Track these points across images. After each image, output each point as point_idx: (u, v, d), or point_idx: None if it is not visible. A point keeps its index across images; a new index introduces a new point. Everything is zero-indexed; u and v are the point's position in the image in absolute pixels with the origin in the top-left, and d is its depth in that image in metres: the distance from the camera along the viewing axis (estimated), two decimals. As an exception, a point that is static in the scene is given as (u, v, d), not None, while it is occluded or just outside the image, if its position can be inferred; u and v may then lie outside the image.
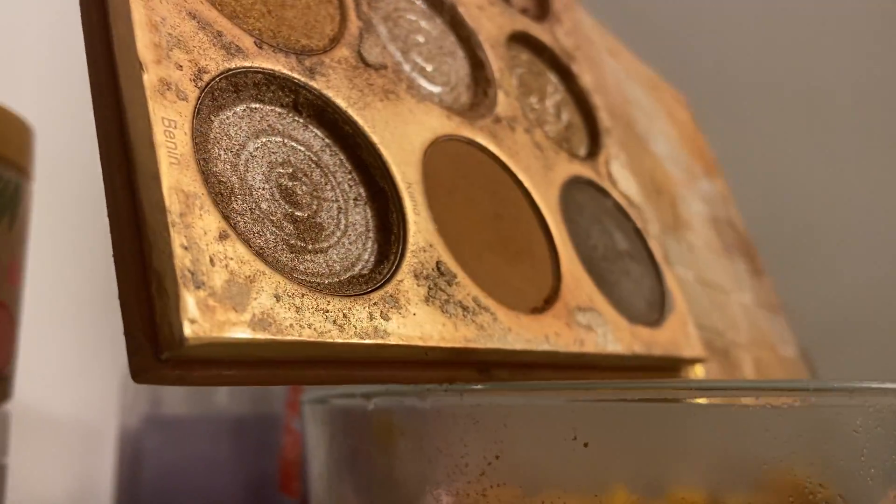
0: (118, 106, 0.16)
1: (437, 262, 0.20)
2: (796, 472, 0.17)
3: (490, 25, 0.28)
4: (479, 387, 0.19)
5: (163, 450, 0.38)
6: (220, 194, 0.16)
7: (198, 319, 0.14)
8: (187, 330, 0.13)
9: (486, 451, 0.18)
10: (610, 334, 0.24)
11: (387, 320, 0.17)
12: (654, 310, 0.28)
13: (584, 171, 0.29)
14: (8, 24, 0.42)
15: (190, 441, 0.39)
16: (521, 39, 0.31)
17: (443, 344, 0.18)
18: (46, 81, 0.42)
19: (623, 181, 0.31)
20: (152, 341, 0.14)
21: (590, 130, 0.32)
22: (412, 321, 0.18)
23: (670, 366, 0.28)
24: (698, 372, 0.29)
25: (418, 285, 0.19)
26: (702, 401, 0.18)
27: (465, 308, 0.20)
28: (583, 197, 0.28)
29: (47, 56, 0.43)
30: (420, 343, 0.18)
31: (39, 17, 0.43)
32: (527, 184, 0.25)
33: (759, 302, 0.45)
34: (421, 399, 0.19)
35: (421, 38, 0.26)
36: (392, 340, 0.17)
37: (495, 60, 0.27)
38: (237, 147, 0.17)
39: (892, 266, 0.58)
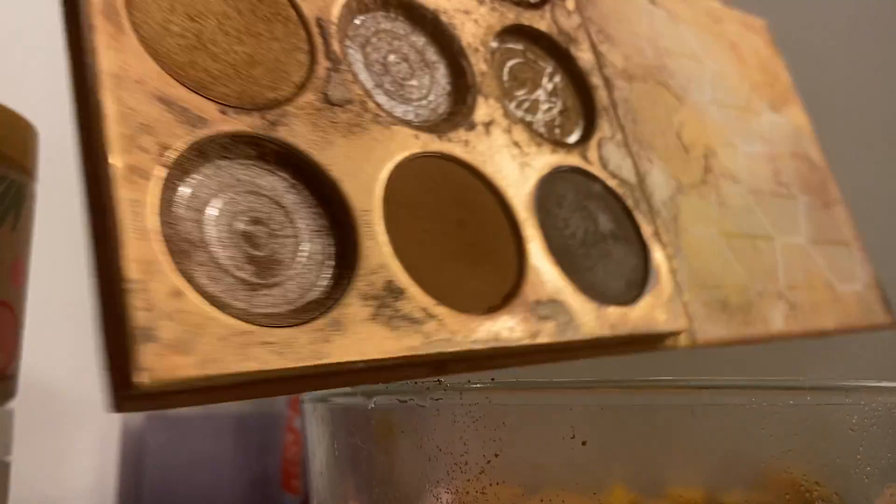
0: (97, 184, 0.20)
1: (387, 281, 0.23)
2: (793, 470, 0.17)
3: (475, 28, 0.31)
4: (478, 385, 0.20)
5: (166, 448, 0.41)
6: (183, 252, 0.20)
7: (149, 367, 0.18)
8: (139, 376, 0.18)
9: (485, 449, 0.18)
10: (572, 322, 0.27)
11: (327, 342, 0.21)
12: (634, 288, 0.30)
13: (568, 159, 0.31)
14: (11, 25, 0.43)
15: (193, 439, 0.41)
16: (515, 31, 0.33)
17: (383, 356, 0.22)
18: (50, 82, 0.40)
19: (614, 161, 0.33)
20: (121, 382, 0.18)
21: (586, 112, 0.33)
22: (353, 341, 0.22)
23: (646, 340, 0.30)
24: (682, 342, 0.32)
25: (365, 306, 0.22)
26: (699, 400, 0.18)
27: (411, 320, 0.23)
28: (565, 186, 0.31)
29: (51, 57, 0.40)
30: (358, 358, 0.22)
31: (43, 17, 0.42)
32: (499, 185, 0.28)
33: (820, 238, 0.45)
34: (421, 398, 0.20)
35: (399, 58, 0.28)
36: (330, 360, 0.21)
37: (477, 64, 0.30)
38: (202, 205, 0.21)
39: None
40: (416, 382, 0.21)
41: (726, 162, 0.42)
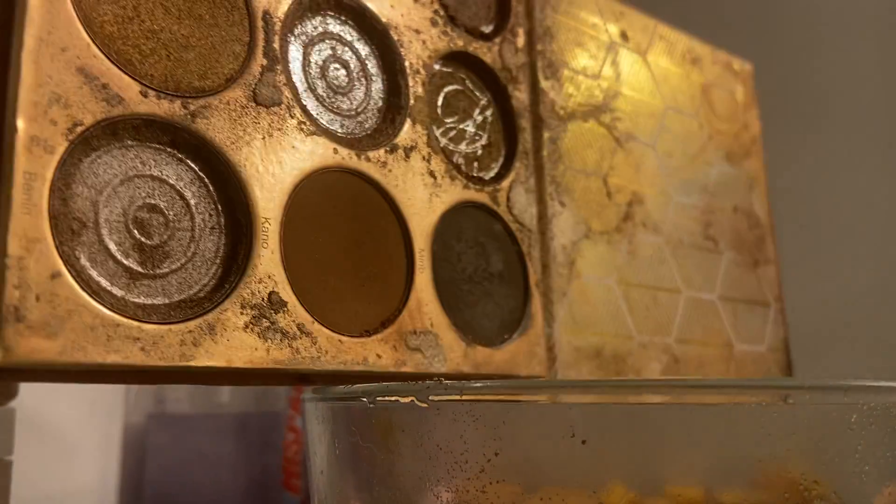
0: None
1: (270, 293, 0.24)
2: (791, 468, 0.17)
3: (422, 50, 0.31)
4: (478, 385, 0.20)
5: (167, 446, 0.42)
6: (70, 230, 0.20)
7: (12, 347, 0.18)
8: (0, 355, 0.18)
9: (485, 448, 0.18)
10: (438, 356, 0.28)
11: (196, 346, 0.22)
12: (506, 330, 0.32)
13: (477, 196, 0.32)
14: None
15: (194, 438, 0.41)
16: (460, 58, 0.33)
17: (250, 366, 0.23)
18: None
19: (520, 205, 0.34)
20: (-21, 353, 0.18)
21: (507, 152, 0.34)
22: (223, 346, 0.22)
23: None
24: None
25: (242, 314, 0.23)
26: (697, 399, 0.18)
27: (284, 334, 0.24)
28: (467, 221, 0.32)
29: None
30: (224, 365, 0.22)
31: None
32: (404, 211, 0.29)
33: (735, 296, 0.46)
34: (421, 397, 0.19)
35: (339, 65, 0.28)
36: (196, 363, 0.22)
37: (415, 87, 0.30)
38: (101, 184, 0.21)
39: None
40: (416, 382, 0.21)
41: (652, 211, 0.42)
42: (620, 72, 0.42)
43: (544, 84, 0.38)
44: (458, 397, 0.19)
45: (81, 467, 0.46)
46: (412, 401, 0.19)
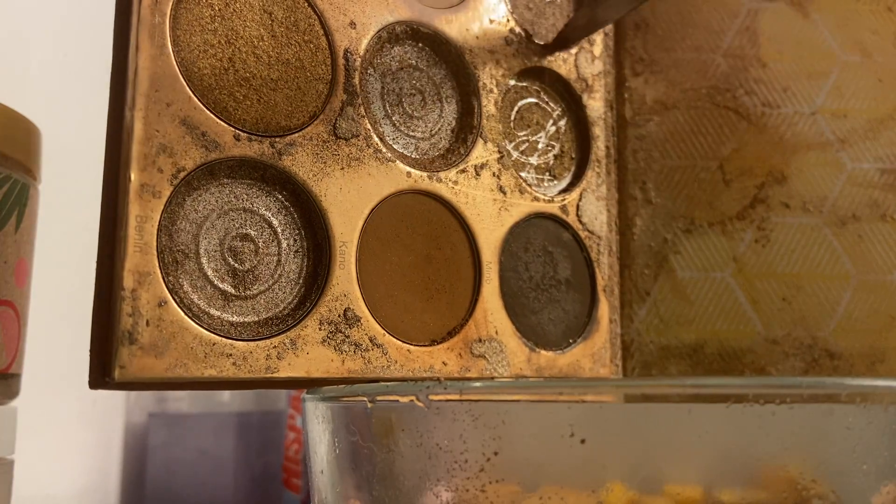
0: (115, 196, 0.23)
1: (346, 309, 0.27)
2: (790, 468, 0.17)
3: (495, 69, 0.33)
4: (478, 384, 0.21)
5: (168, 446, 0.42)
6: (175, 261, 0.24)
7: (126, 365, 0.22)
8: (117, 372, 0.22)
9: (484, 447, 0.19)
10: (502, 361, 0.31)
11: (280, 360, 0.25)
12: (571, 335, 0.34)
13: (546, 207, 0.34)
14: (16, 28, 0.42)
15: (195, 437, 0.42)
16: (535, 71, 0.35)
17: (326, 376, 0.26)
18: (54, 84, 0.41)
19: (590, 213, 0.35)
20: (100, 369, 0.22)
21: (580, 160, 0.36)
22: (303, 360, 0.25)
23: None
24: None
25: (320, 330, 0.26)
26: (697, 398, 0.18)
27: (357, 346, 0.27)
28: (536, 232, 0.34)
29: (55, 59, 0.42)
30: (304, 376, 0.25)
31: (47, 21, 0.43)
32: (473, 227, 0.31)
33: None
34: (421, 397, 0.20)
35: (415, 90, 0.31)
36: (279, 375, 0.25)
37: (487, 105, 0.32)
38: (201, 219, 0.25)
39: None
40: (416, 382, 0.22)
41: (802, 189, 0.37)
42: (762, 38, 0.38)
43: (633, 82, 0.38)
44: (457, 397, 0.19)
45: (81, 467, 0.46)
46: (412, 401, 0.20)
